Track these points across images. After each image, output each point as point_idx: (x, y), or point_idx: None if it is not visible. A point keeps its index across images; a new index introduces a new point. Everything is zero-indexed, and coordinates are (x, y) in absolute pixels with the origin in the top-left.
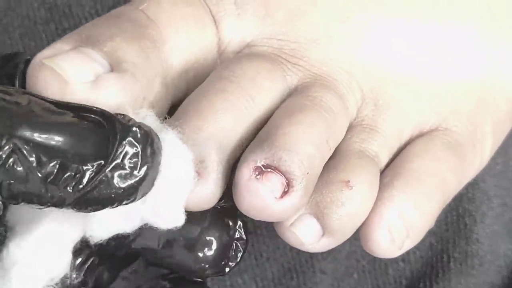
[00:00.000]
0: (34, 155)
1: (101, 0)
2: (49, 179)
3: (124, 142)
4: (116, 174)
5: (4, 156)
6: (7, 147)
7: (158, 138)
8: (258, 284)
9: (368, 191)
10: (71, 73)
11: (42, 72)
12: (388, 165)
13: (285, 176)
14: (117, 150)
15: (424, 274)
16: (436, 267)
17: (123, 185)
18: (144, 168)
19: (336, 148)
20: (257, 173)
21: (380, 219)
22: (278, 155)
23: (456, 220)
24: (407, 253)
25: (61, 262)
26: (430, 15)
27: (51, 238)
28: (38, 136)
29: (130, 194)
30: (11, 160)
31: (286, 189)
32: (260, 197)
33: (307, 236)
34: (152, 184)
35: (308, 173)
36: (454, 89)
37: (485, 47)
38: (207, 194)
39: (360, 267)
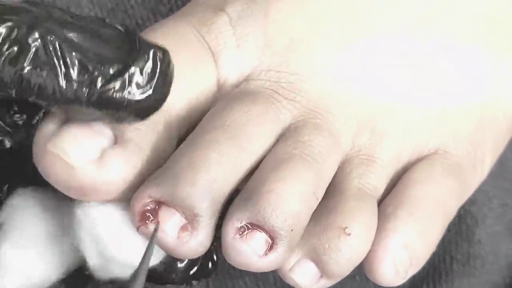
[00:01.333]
0: (58, 49)
1: (100, 3)
2: (67, 75)
3: (145, 55)
4: (132, 82)
5: (31, 43)
6: (35, 35)
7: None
8: (260, 287)
9: (366, 234)
10: (75, 156)
11: (46, 158)
12: (387, 191)
13: (269, 235)
14: (137, 60)
15: (427, 275)
16: (438, 269)
17: (136, 94)
18: (157, 85)
19: (335, 185)
20: (241, 232)
21: (384, 252)
22: (262, 215)
23: (458, 222)
24: None
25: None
26: (431, 40)
27: (48, 243)
28: (63, 31)
29: (140, 106)
30: (36, 48)
31: (270, 245)
32: (244, 256)
33: (306, 280)
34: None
35: (292, 230)
36: (455, 113)
37: (486, 69)
38: (198, 246)
39: (362, 269)
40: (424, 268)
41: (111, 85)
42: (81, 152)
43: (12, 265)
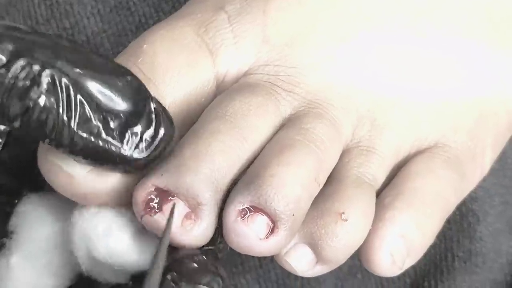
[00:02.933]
0: (65, 91)
1: (103, 0)
2: (70, 120)
3: (149, 115)
4: (133, 140)
5: (42, 81)
6: (47, 74)
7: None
8: (262, 285)
9: (363, 221)
10: (75, 165)
11: (49, 167)
12: (386, 183)
13: (270, 218)
14: (140, 119)
15: (428, 272)
16: (440, 266)
17: (135, 153)
18: (157, 147)
19: (333, 174)
20: (243, 214)
21: (381, 242)
22: (264, 198)
23: (460, 219)
24: None
25: (61, 274)
26: (430, 33)
27: (55, 251)
28: (74, 73)
29: (137, 164)
30: (45, 86)
31: (271, 229)
32: (245, 238)
33: (301, 264)
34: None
35: (293, 215)
36: (454, 106)
37: (487, 64)
38: (201, 234)
39: (363, 267)
40: (425, 265)
41: (109, 139)
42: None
43: (19, 276)
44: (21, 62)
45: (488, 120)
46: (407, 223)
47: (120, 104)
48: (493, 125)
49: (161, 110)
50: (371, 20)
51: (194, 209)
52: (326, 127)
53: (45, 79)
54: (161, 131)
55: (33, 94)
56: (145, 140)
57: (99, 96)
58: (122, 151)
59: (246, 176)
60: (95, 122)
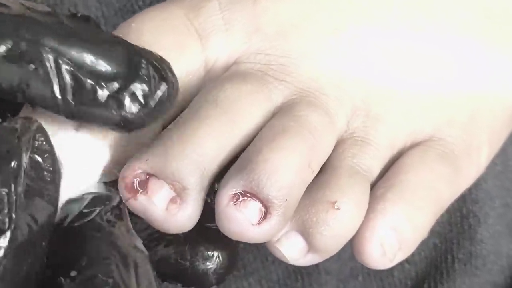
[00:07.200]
0: (54, 63)
1: (107, 3)
2: (63, 90)
3: (147, 73)
4: (129, 99)
5: (32, 58)
6: (35, 54)
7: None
8: (264, 286)
9: (355, 211)
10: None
11: None
12: (380, 175)
13: (263, 203)
14: (137, 77)
15: (428, 274)
16: (440, 268)
17: (133, 112)
18: (152, 107)
19: (328, 163)
20: (235, 199)
21: (372, 233)
22: (257, 183)
23: (460, 221)
24: (412, 254)
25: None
26: (426, 27)
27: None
28: (62, 45)
29: (131, 125)
30: (35, 65)
31: (264, 215)
32: (238, 224)
33: (292, 252)
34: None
35: (286, 200)
36: (450, 100)
37: (483, 60)
38: (186, 219)
39: (365, 269)
40: (425, 266)
41: (106, 104)
42: None
43: None
44: (12, 40)
45: (484, 116)
46: (398, 216)
47: (111, 68)
48: (489, 122)
49: (159, 67)
50: (366, 12)
51: (179, 193)
52: (320, 115)
53: (33, 57)
54: (159, 89)
55: (24, 72)
56: (144, 99)
57: (89, 63)
58: (122, 114)
59: (239, 162)
60: (89, 88)
